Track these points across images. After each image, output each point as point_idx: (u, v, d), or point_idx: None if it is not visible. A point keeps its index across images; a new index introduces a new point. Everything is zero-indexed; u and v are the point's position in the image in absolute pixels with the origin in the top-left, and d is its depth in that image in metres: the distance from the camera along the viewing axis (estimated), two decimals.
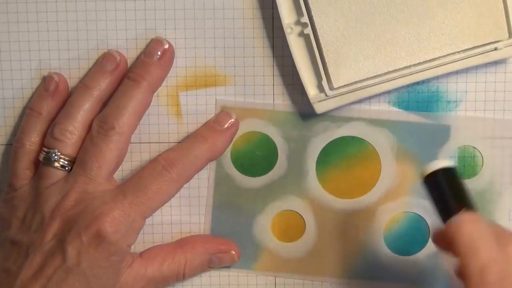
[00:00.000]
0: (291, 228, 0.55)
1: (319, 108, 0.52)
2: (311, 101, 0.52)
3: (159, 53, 0.51)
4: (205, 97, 0.53)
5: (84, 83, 0.52)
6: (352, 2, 0.50)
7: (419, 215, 0.55)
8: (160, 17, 0.52)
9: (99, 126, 0.50)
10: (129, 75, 0.51)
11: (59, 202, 0.49)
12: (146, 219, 0.49)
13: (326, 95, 0.51)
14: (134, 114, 0.50)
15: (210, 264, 0.54)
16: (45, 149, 0.51)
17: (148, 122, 0.53)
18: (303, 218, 0.55)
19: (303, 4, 0.50)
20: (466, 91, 0.54)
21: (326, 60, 0.51)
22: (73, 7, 0.52)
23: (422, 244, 0.55)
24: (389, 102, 0.54)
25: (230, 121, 0.53)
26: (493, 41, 0.51)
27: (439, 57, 0.51)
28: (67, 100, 0.52)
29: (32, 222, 0.49)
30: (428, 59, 0.51)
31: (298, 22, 0.51)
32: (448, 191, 0.44)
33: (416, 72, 0.51)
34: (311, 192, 0.54)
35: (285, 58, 0.53)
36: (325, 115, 0.53)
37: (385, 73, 0.51)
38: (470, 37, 0.51)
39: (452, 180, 0.44)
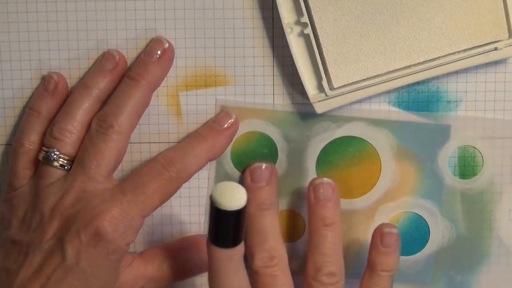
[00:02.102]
0: (291, 228, 0.55)
1: (319, 108, 0.52)
2: (311, 101, 0.52)
3: (159, 52, 0.51)
4: (205, 97, 0.54)
5: (84, 82, 0.52)
6: (352, 2, 0.50)
7: (419, 215, 0.55)
8: (160, 17, 0.52)
9: (98, 125, 0.50)
10: (128, 74, 0.51)
11: (58, 201, 0.49)
12: (146, 219, 0.49)
13: (326, 95, 0.51)
14: (133, 113, 0.50)
15: None
16: (45, 149, 0.51)
17: (148, 122, 0.53)
18: (303, 218, 0.55)
19: (303, 4, 0.50)
20: (466, 91, 0.54)
21: (326, 60, 0.51)
22: (73, 7, 0.52)
23: (422, 244, 0.55)
24: (389, 102, 0.54)
25: (229, 121, 0.53)
26: (493, 41, 0.51)
27: (439, 57, 0.51)
28: (66, 99, 0.52)
29: (32, 221, 0.49)
30: (428, 59, 0.51)
31: (298, 22, 0.51)
32: (235, 226, 0.45)
33: (416, 72, 0.51)
34: None
35: (285, 58, 0.53)
36: (325, 115, 0.53)
37: (385, 73, 0.51)
38: (470, 37, 0.51)
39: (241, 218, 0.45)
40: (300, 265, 0.55)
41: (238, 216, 0.44)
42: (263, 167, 0.53)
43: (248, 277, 0.49)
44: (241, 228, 0.45)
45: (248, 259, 0.51)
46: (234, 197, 0.44)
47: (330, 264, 0.51)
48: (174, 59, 0.52)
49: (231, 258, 0.46)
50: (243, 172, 0.54)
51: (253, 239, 0.51)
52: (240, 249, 0.46)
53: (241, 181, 0.54)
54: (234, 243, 0.46)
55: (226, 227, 0.45)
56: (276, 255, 0.51)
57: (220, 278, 0.47)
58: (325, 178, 0.52)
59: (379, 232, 0.52)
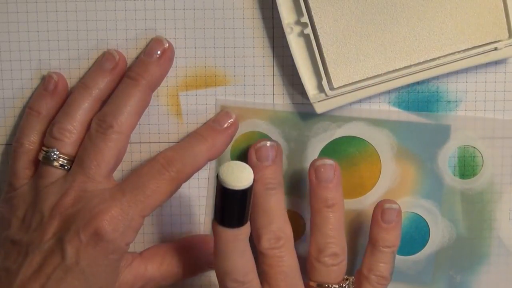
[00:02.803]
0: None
1: (319, 108, 0.52)
2: (311, 101, 0.52)
3: (158, 52, 0.51)
4: (205, 97, 0.54)
5: (83, 82, 0.52)
6: (352, 2, 0.50)
7: (419, 215, 0.55)
8: (160, 17, 0.52)
9: (97, 125, 0.50)
10: (128, 74, 0.51)
11: (58, 201, 0.49)
12: (146, 219, 0.49)
13: (326, 95, 0.51)
14: (133, 113, 0.50)
15: (210, 264, 0.54)
16: (44, 149, 0.51)
17: (148, 122, 0.53)
18: (303, 218, 0.55)
19: (303, 4, 0.50)
20: (466, 91, 0.54)
21: (326, 60, 0.51)
22: (73, 7, 0.52)
23: (422, 244, 0.55)
24: (389, 102, 0.54)
25: (229, 121, 0.53)
26: (493, 41, 0.51)
27: (439, 57, 0.51)
28: (66, 99, 0.52)
29: (32, 221, 0.49)
30: (428, 59, 0.51)
31: (298, 22, 0.51)
32: (241, 206, 0.45)
33: (416, 72, 0.51)
34: None
35: (285, 58, 0.53)
36: (325, 115, 0.53)
37: (385, 73, 0.51)
38: (470, 37, 0.51)
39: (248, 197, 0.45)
40: (301, 264, 0.54)
41: (244, 195, 0.44)
42: (269, 145, 0.52)
43: (253, 258, 0.49)
44: (247, 208, 0.45)
45: (254, 240, 0.51)
46: (241, 176, 0.44)
47: (333, 245, 0.51)
48: (174, 59, 0.52)
49: (237, 238, 0.46)
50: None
51: (259, 219, 0.51)
52: (246, 229, 0.46)
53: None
54: (240, 223, 0.46)
55: (232, 206, 0.45)
56: (282, 236, 0.51)
57: (226, 258, 0.47)
58: (326, 159, 0.52)
59: (380, 208, 0.52)
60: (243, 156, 0.54)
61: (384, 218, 0.52)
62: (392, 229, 0.52)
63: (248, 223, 0.46)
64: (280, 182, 0.52)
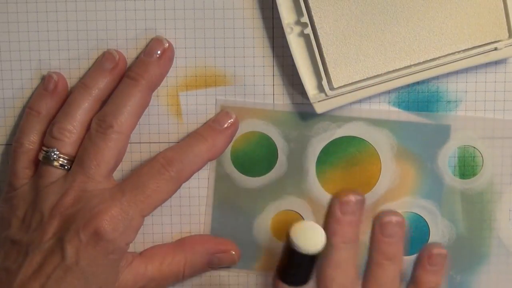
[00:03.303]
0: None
1: (319, 108, 0.52)
2: (311, 101, 0.52)
3: (158, 52, 0.51)
4: (205, 97, 0.54)
5: (83, 82, 0.52)
6: (352, 2, 0.50)
7: (419, 215, 0.55)
8: (160, 17, 0.52)
9: (97, 125, 0.50)
10: (128, 74, 0.51)
11: (58, 201, 0.49)
12: (146, 218, 0.49)
13: (326, 95, 0.51)
14: (133, 113, 0.50)
15: (210, 264, 0.54)
16: (44, 148, 0.51)
17: (148, 122, 0.53)
18: (303, 218, 0.55)
19: (303, 4, 0.50)
20: (466, 91, 0.54)
21: (326, 60, 0.51)
22: (73, 7, 0.52)
23: (422, 244, 0.55)
24: (389, 102, 0.54)
25: (229, 121, 0.53)
26: (493, 41, 0.51)
27: (439, 57, 0.51)
28: (66, 99, 0.52)
29: (32, 221, 0.49)
30: (428, 59, 0.51)
31: (298, 22, 0.51)
32: (307, 268, 0.45)
33: (416, 72, 0.51)
34: (311, 192, 0.54)
35: (285, 58, 0.53)
36: (325, 115, 0.53)
37: (385, 73, 0.51)
38: (470, 37, 0.51)
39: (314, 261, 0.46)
40: None
41: (313, 259, 0.44)
42: (355, 201, 0.50)
43: None
44: (313, 270, 0.45)
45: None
46: (313, 240, 0.44)
47: None
48: (174, 59, 0.53)
49: None
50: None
51: (329, 271, 0.49)
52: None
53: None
54: (303, 283, 0.46)
55: (299, 268, 0.45)
56: None
57: None
58: (393, 216, 0.50)
59: (427, 251, 0.51)
60: (243, 156, 0.54)
61: (431, 262, 0.51)
62: (437, 272, 0.51)
63: (311, 281, 0.46)
64: (358, 235, 0.50)
